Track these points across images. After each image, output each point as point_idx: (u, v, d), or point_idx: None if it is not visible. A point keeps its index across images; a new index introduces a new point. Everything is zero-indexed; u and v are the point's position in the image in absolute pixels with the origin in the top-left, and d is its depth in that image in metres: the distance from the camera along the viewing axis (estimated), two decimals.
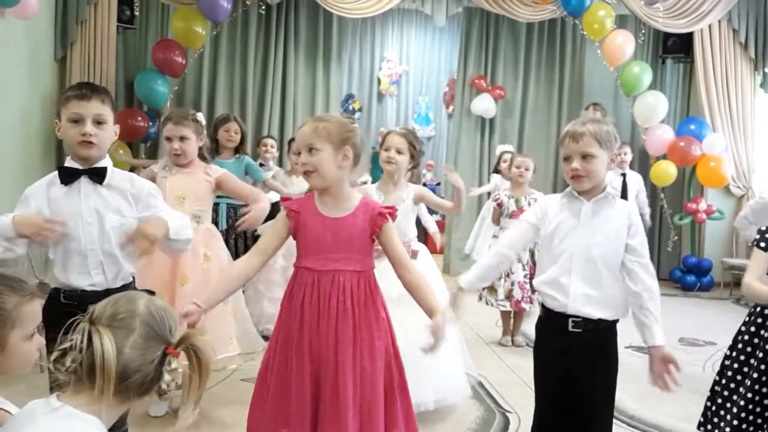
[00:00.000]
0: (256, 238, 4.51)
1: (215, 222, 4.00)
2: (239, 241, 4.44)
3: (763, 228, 2.40)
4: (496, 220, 4.55)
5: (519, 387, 3.59)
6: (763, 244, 2.36)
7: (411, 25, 9.96)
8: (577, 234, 2.12)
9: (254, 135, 6.76)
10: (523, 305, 4.34)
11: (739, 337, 2.32)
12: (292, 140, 4.63)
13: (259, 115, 6.97)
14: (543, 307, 2.24)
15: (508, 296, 4.34)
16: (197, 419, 2.95)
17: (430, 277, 3.16)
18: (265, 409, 1.97)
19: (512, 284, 4.34)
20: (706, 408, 2.38)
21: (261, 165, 5.23)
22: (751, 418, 2.20)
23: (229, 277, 2.06)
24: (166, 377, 1.12)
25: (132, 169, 5.21)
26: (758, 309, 2.31)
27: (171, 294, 2.83)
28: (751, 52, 7.00)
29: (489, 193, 5.98)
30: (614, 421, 2.31)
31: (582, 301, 2.09)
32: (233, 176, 3.14)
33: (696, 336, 4.93)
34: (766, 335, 2.25)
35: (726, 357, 2.35)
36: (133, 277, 2.21)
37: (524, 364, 3.95)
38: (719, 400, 2.32)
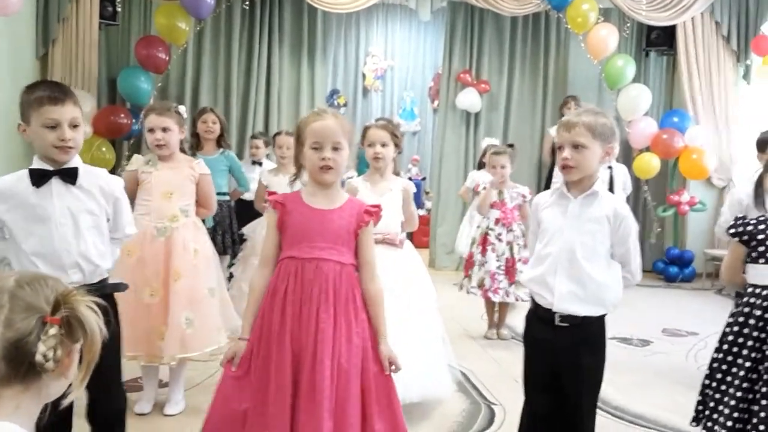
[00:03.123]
0: (241, 235, 4.51)
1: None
2: (226, 237, 4.44)
3: (739, 216, 2.42)
4: (486, 206, 4.58)
5: (504, 380, 3.62)
6: (736, 233, 2.37)
7: (395, 20, 9.95)
8: (562, 235, 2.14)
9: (239, 131, 6.75)
10: (490, 295, 4.36)
11: (727, 330, 2.33)
12: (277, 134, 4.61)
13: (243, 110, 6.93)
14: (533, 299, 2.26)
15: (480, 285, 4.38)
16: (186, 411, 2.99)
17: (418, 271, 3.21)
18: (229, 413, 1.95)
19: (485, 273, 4.37)
20: (698, 403, 2.40)
21: (253, 163, 5.19)
22: (743, 409, 2.21)
23: (256, 297, 2.03)
24: (41, 347, 1.00)
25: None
26: (744, 299, 2.33)
27: (165, 290, 2.86)
28: (734, 44, 7.06)
29: (474, 189, 5.99)
30: (598, 411, 2.34)
31: (568, 299, 2.12)
32: (211, 182, 3.16)
33: (679, 327, 4.99)
34: (747, 331, 2.26)
35: (715, 351, 2.36)
36: (108, 274, 2.21)
37: (510, 356, 3.98)
38: (717, 396, 2.31)
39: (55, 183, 2.06)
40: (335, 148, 1.98)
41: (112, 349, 2.06)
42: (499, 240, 4.37)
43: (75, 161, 2.10)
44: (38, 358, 1.00)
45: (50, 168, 2.06)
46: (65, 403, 1.07)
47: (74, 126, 2.04)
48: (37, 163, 2.07)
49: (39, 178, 2.05)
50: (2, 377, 1.00)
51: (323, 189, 2.04)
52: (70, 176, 2.07)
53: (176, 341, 2.85)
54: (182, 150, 3.16)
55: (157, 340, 2.85)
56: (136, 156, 3.22)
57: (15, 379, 1.01)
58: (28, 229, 2.04)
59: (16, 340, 1.00)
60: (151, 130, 2.97)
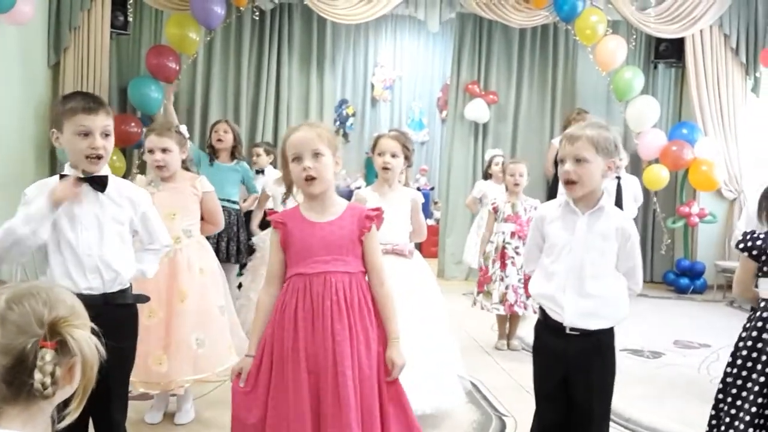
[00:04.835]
0: (248, 245, 4.51)
1: None
2: (231, 245, 4.43)
3: (748, 231, 2.40)
4: (490, 228, 4.53)
5: (515, 391, 3.59)
6: (745, 248, 2.34)
7: (404, 31, 9.99)
8: (571, 252, 2.13)
9: (248, 141, 6.76)
10: (516, 309, 4.33)
11: (741, 344, 2.30)
12: None
13: (253, 120, 6.97)
14: (541, 310, 2.25)
15: (503, 300, 4.33)
16: (195, 421, 2.98)
17: (427, 282, 3.19)
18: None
19: (506, 288, 4.33)
20: (711, 417, 2.37)
21: (257, 172, 5.23)
22: (759, 425, 2.18)
23: (264, 315, 2.03)
24: (37, 375, 0.97)
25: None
26: (757, 314, 2.30)
27: (169, 311, 2.82)
28: (742, 56, 7.05)
29: (481, 199, 5.98)
30: (611, 424, 2.32)
31: (578, 315, 2.12)
32: (215, 198, 3.13)
33: (690, 339, 4.95)
34: (761, 346, 2.23)
35: (728, 365, 2.33)
36: (131, 284, 2.21)
37: (520, 367, 3.96)
38: (732, 411, 2.27)
39: (85, 190, 2.09)
40: (315, 155, 1.98)
41: (120, 361, 2.08)
42: (517, 253, 4.31)
43: (104, 170, 2.13)
44: (36, 386, 0.98)
45: (81, 175, 2.09)
46: (62, 425, 1.05)
47: (106, 135, 2.09)
48: (68, 170, 2.10)
49: None
50: (4, 397, 1.00)
51: (318, 201, 2.03)
52: (99, 184, 2.10)
53: (187, 363, 2.81)
54: (186, 168, 3.12)
55: (153, 365, 2.77)
56: (139, 177, 3.22)
57: (18, 400, 1.00)
58: (53, 232, 2.06)
59: (12, 366, 0.99)
60: (151, 151, 2.95)
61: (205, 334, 2.86)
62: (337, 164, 2.04)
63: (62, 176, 2.08)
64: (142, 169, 5.63)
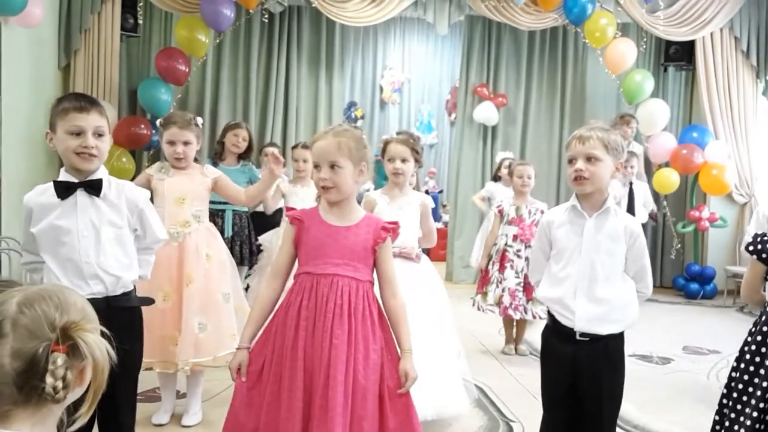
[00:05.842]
0: (258, 245, 4.51)
1: (221, 229, 4.03)
2: (244, 248, 4.44)
3: (758, 233, 2.37)
4: (496, 231, 4.50)
5: (522, 396, 3.58)
6: (754, 251, 2.32)
7: (413, 34, 10.00)
8: (580, 255, 2.13)
9: (257, 143, 6.76)
10: (510, 312, 4.29)
11: (746, 348, 2.28)
12: (294, 147, 4.63)
13: (261, 122, 6.98)
14: (550, 315, 2.24)
15: (498, 302, 4.31)
16: (203, 423, 2.97)
17: (434, 286, 3.18)
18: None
19: (503, 290, 4.31)
20: (715, 422, 2.35)
21: None
22: (760, 430, 2.16)
23: (261, 307, 2.04)
24: (49, 380, 0.97)
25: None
26: (763, 318, 2.28)
27: (178, 295, 2.87)
28: (753, 59, 7.00)
29: (489, 199, 5.98)
30: (618, 430, 2.30)
31: (589, 319, 2.12)
32: (228, 179, 3.19)
33: (700, 344, 4.92)
34: (766, 350, 2.21)
35: (733, 370, 2.32)
36: (134, 286, 2.21)
37: (528, 372, 3.94)
38: (732, 415, 2.26)
39: (80, 195, 2.07)
40: (332, 167, 1.98)
41: (126, 365, 2.07)
42: (518, 256, 4.31)
43: (100, 173, 2.12)
44: (48, 390, 0.98)
45: (75, 180, 2.07)
46: (72, 429, 1.05)
47: (99, 135, 2.07)
48: (63, 176, 2.09)
49: (64, 190, 2.06)
50: (15, 400, 1.00)
51: (336, 207, 2.04)
52: (94, 188, 2.08)
53: (189, 346, 2.85)
54: (195, 159, 3.18)
55: (170, 346, 2.85)
56: (158, 163, 3.25)
57: (28, 402, 1.00)
58: (51, 240, 2.06)
59: (23, 370, 0.99)
60: (172, 143, 2.99)
61: (207, 320, 2.90)
62: (362, 173, 2.03)
63: (56, 182, 2.07)
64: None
